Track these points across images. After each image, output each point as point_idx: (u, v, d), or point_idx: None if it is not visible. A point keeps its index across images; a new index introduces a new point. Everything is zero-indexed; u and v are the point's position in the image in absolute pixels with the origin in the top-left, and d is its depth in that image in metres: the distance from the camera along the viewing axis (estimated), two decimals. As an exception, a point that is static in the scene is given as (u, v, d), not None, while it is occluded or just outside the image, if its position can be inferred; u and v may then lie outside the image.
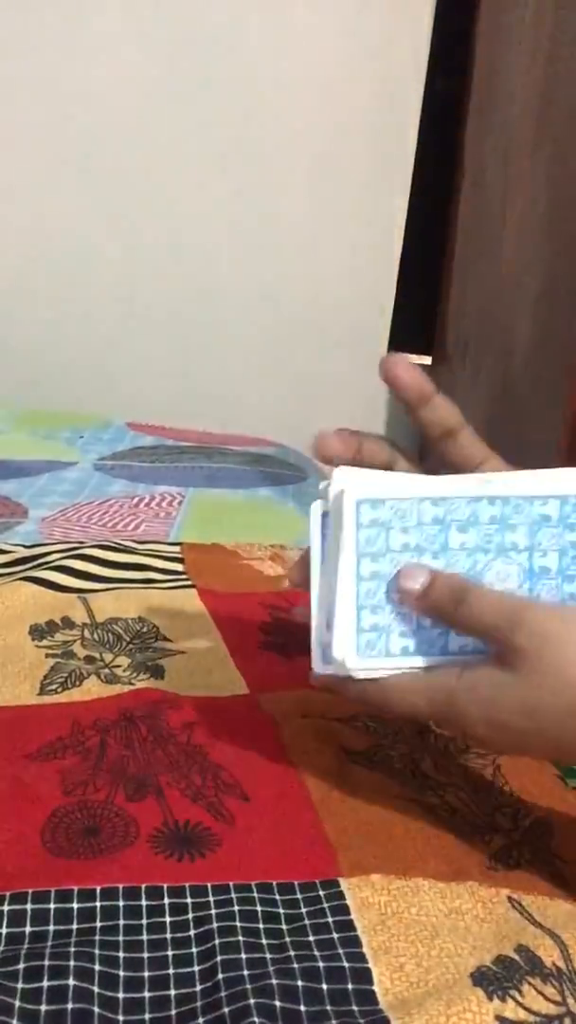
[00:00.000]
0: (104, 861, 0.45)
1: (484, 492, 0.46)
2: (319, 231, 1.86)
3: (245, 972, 0.39)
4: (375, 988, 0.39)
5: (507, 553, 0.46)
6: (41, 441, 1.35)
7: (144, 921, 0.42)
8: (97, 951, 0.39)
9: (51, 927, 0.41)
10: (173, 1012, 0.37)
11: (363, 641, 0.45)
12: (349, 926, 0.42)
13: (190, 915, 0.42)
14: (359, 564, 0.45)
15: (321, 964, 0.40)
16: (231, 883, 0.44)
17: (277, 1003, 0.37)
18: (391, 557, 0.45)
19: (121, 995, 0.38)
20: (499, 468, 0.50)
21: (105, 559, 0.83)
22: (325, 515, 0.47)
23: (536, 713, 0.42)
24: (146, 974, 0.39)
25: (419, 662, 0.46)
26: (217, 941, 0.40)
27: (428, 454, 0.52)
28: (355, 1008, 0.38)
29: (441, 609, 0.45)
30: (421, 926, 0.43)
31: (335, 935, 0.42)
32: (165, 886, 0.44)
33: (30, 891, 0.43)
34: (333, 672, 0.46)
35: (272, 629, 0.73)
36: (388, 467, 0.51)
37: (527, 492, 0.46)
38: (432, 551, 0.46)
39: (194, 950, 0.40)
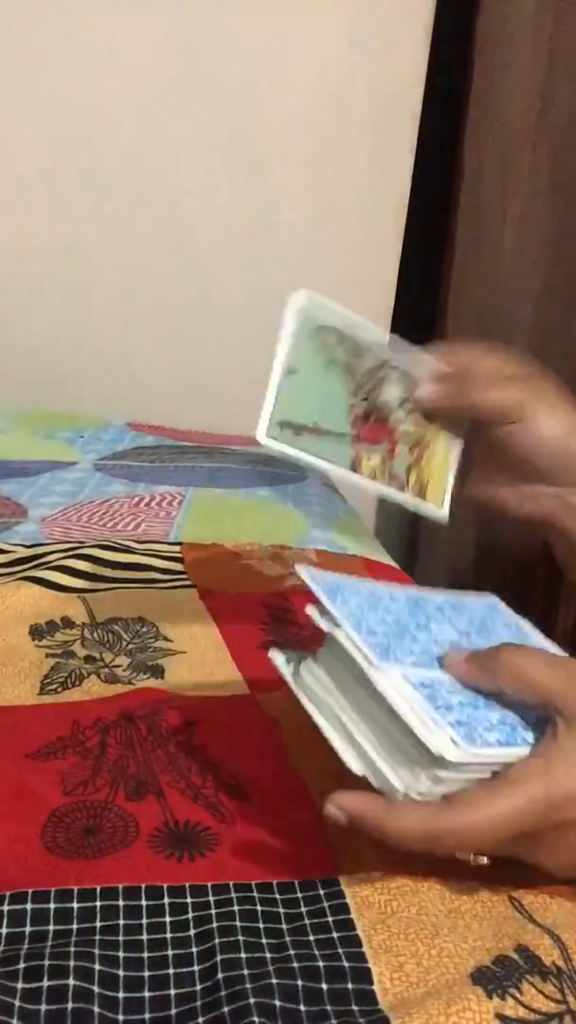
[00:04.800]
0: (104, 861, 0.45)
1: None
2: (319, 231, 1.86)
3: (245, 972, 0.39)
4: (375, 988, 0.39)
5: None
6: (41, 441, 1.35)
7: (144, 921, 0.42)
8: (97, 951, 0.39)
9: (51, 927, 0.41)
10: (173, 1012, 0.37)
11: (461, 732, 0.41)
12: (349, 925, 0.42)
13: (190, 915, 0.42)
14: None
15: (321, 964, 0.40)
16: (231, 883, 0.44)
17: (277, 1003, 0.37)
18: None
19: (121, 995, 0.38)
20: None
21: (105, 559, 0.83)
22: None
23: None
24: (146, 974, 0.39)
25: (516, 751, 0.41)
26: (217, 941, 0.40)
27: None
28: (355, 1008, 0.38)
29: (487, 666, 0.44)
30: (421, 925, 0.43)
31: (335, 934, 0.42)
32: (165, 886, 0.44)
33: (30, 891, 0.43)
34: (429, 787, 0.41)
35: (272, 629, 0.73)
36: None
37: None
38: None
39: (194, 950, 0.40)
